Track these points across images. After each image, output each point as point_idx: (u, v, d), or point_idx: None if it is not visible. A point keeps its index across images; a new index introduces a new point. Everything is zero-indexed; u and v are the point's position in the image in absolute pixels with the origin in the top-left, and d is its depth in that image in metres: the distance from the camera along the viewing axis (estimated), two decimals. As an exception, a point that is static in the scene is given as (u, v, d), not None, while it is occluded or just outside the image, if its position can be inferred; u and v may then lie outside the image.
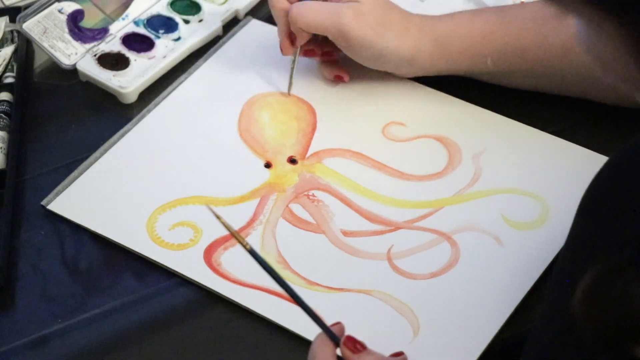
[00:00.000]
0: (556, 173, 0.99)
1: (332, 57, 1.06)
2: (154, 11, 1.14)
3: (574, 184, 0.97)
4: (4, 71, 1.11)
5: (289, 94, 1.07)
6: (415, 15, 1.02)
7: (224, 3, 1.15)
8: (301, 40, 1.03)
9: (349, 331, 0.84)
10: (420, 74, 1.04)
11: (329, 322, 0.83)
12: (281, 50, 1.05)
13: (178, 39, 1.12)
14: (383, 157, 1.02)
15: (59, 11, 1.11)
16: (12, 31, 1.14)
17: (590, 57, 0.62)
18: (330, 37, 1.01)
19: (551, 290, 0.75)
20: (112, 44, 1.11)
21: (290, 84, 1.07)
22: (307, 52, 1.06)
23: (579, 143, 1.01)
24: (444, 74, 1.04)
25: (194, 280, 0.93)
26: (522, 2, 1.08)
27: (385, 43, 1.00)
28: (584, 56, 0.62)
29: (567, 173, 0.99)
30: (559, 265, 0.76)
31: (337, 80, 1.07)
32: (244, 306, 0.91)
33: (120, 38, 1.12)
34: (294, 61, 1.06)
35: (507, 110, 1.04)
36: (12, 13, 1.15)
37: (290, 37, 1.04)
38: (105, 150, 1.03)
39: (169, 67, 1.11)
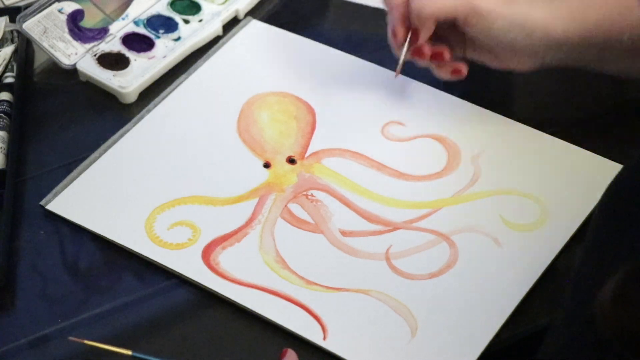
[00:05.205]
0: (555, 174, 0.99)
1: (442, 58, 1.00)
2: (154, 11, 1.14)
3: (573, 185, 0.98)
4: (4, 71, 1.11)
5: (396, 76, 1.03)
6: None
7: (224, 3, 1.15)
8: (427, 33, 0.97)
9: (346, 331, 0.84)
10: (549, 56, 0.96)
11: (327, 322, 0.82)
12: (394, 36, 0.98)
13: (178, 39, 1.12)
14: (382, 157, 1.02)
15: (59, 11, 1.11)
16: (12, 31, 1.14)
17: None
18: (459, 20, 0.95)
19: (573, 291, 0.74)
20: (112, 44, 1.11)
21: (402, 65, 1.01)
22: (415, 52, 1.00)
23: (577, 144, 1.01)
24: (573, 56, 0.96)
25: (192, 280, 0.93)
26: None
27: (516, 12, 0.94)
28: None
29: (566, 174, 0.99)
30: (582, 265, 0.75)
31: (456, 75, 1.00)
32: (242, 305, 0.91)
33: (120, 38, 1.12)
34: (407, 51, 0.99)
35: (506, 111, 1.04)
36: (12, 13, 1.15)
37: (405, 26, 0.97)
38: (105, 150, 1.03)
39: (168, 67, 1.11)
